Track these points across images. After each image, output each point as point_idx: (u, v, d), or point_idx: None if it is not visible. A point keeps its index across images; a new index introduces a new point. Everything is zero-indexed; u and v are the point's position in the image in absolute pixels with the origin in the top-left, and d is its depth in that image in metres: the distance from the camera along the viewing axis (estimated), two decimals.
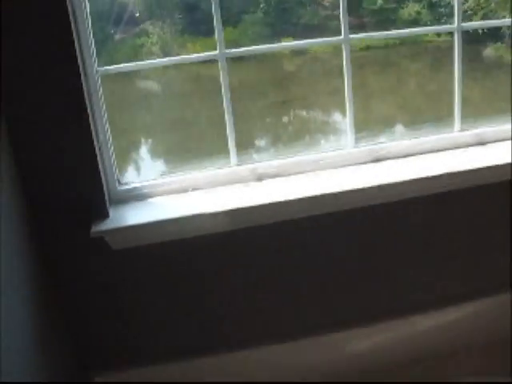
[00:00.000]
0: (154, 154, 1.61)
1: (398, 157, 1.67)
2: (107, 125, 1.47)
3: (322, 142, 1.74)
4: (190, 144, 1.65)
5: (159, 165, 1.61)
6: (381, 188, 1.52)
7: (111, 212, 1.47)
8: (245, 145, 1.63)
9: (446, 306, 1.75)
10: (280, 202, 1.48)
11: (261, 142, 1.67)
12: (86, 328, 1.57)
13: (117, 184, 1.53)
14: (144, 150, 1.60)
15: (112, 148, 1.50)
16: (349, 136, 1.63)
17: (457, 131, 1.69)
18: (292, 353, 1.68)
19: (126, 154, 1.62)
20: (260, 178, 1.58)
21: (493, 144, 1.69)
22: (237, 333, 1.66)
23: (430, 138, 1.68)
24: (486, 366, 1.72)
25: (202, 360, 1.62)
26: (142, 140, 1.60)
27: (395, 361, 1.73)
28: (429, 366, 1.73)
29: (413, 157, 1.67)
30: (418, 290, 1.72)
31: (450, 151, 1.67)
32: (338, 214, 1.55)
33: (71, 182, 1.41)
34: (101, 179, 1.43)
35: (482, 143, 1.69)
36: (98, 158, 1.42)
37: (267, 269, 1.60)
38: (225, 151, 1.58)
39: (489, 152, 1.65)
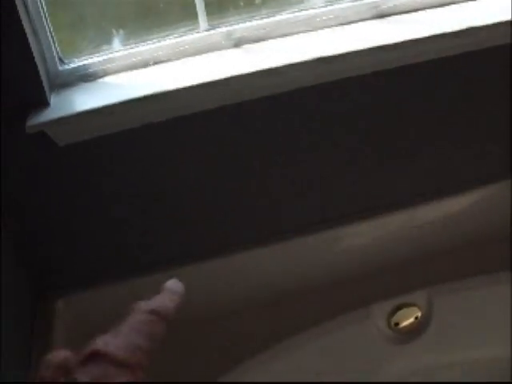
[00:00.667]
0: (104, 22, 1.27)
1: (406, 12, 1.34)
2: None
3: None
4: (148, 9, 1.31)
5: (111, 36, 1.28)
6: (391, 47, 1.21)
7: (52, 99, 1.17)
8: (215, 7, 1.29)
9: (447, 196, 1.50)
10: (265, 71, 1.17)
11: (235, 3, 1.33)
12: (37, 248, 1.31)
13: (58, 63, 1.21)
14: (92, 18, 1.26)
15: (46, 16, 1.17)
16: None
17: None
18: (288, 252, 1.44)
19: (69, 25, 1.29)
20: (237, 43, 1.26)
21: None
22: (215, 237, 1.41)
23: None
24: (486, 262, 1.50)
25: (178, 271, 1.38)
26: (89, 4, 1.27)
27: (394, 258, 1.51)
28: (427, 262, 1.51)
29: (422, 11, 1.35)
30: (418, 178, 1.47)
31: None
32: (339, 83, 1.25)
33: None
34: (33, 57, 1.11)
35: None
36: (27, 28, 1.10)
37: (248, 155, 1.32)
38: (192, 15, 1.25)
39: None
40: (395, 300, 1.42)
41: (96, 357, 0.35)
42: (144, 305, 0.40)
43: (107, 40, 1.28)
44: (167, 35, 1.26)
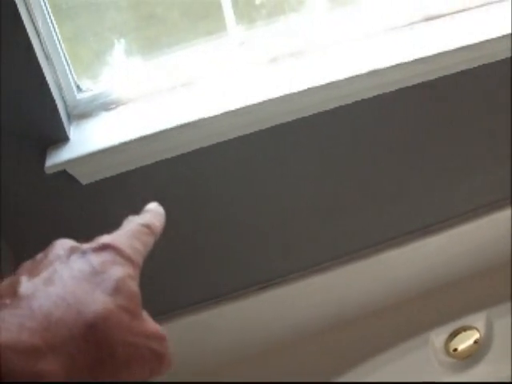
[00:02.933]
0: (125, 46, 1.14)
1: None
2: (45, 4, 1.00)
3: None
4: (166, 21, 1.17)
5: (130, 53, 1.14)
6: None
7: (72, 133, 1.04)
8: (246, 13, 1.16)
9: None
10: (303, 91, 1.04)
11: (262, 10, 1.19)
12: None
13: (75, 91, 1.08)
14: (111, 43, 1.13)
15: (61, 41, 1.04)
16: None
17: None
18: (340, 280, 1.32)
19: (87, 52, 1.15)
20: (275, 59, 1.13)
21: None
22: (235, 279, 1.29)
23: None
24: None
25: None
26: (106, 24, 1.13)
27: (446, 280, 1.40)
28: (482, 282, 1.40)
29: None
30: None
31: None
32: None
33: (10, 103, 0.96)
34: (48, 86, 0.97)
35: None
36: (39, 53, 0.97)
37: (275, 179, 1.20)
38: (222, 26, 1.12)
39: None
40: (453, 324, 1.30)
41: (107, 248, 0.37)
42: (137, 218, 0.43)
43: (124, 55, 1.15)
44: (194, 51, 1.13)
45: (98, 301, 0.33)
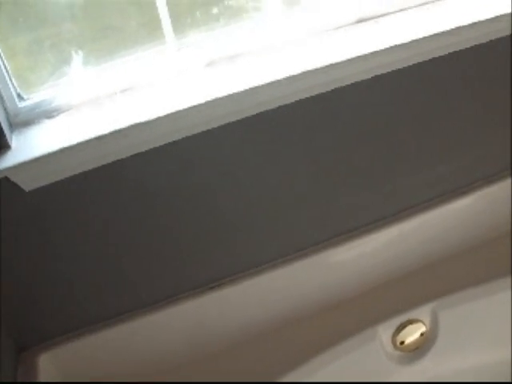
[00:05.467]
0: (63, 45, 1.16)
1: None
2: None
3: None
4: (108, 29, 1.20)
5: (71, 61, 1.17)
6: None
7: (14, 141, 1.06)
8: (182, 22, 1.20)
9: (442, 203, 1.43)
10: (243, 92, 1.08)
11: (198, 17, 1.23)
12: (12, 301, 1.20)
13: (16, 100, 1.10)
14: (48, 41, 1.15)
15: (1, 56, 1.06)
16: None
17: None
18: (282, 279, 1.35)
19: (26, 58, 1.18)
20: (210, 63, 1.17)
21: None
22: (210, 268, 1.32)
23: None
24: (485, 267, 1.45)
25: (165, 311, 1.29)
26: (45, 35, 1.16)
27: (391, 274, 1.45)
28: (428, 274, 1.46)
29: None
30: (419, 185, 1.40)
31: None
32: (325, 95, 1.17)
33: None
34: None
35: None
36: None
37: (226, 178, 1.23)
38: (158, 34, 1.16)
39: None
40: (400, 318, 1.34)
41: None
42: None
43: (67, 66, 1.17)
44: (132, 58, 1.16)
45: None
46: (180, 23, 1.19)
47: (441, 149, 1.37)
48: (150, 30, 1.20)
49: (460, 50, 1.22)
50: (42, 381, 1.20)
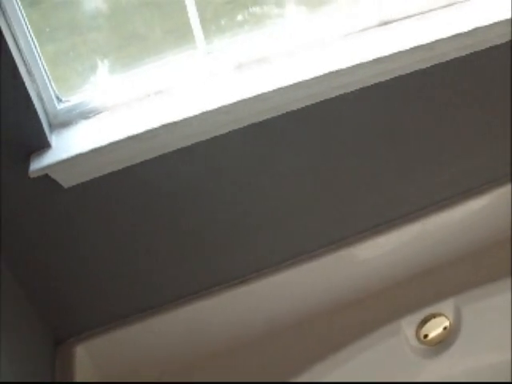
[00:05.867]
0: (101, 57, 1.22)
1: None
2: (27, 25, 1.09)
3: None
4: (146, 37, 1.26)
5: (105, 67, 1.23)
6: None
7: (54, 140, 1.12)
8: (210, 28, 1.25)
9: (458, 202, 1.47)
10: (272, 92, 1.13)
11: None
12: (50, 294, 1.26)
13: (56, 102, 1.16)
14: (87, 54, 1.21)
15: (41, 56, 1.12)
16: None
17: None
18: (308, 273, 1.39)
19: (64, 63, 1.24)
20: (239, 66, 1.22)
21: None
22: (235, 265, 1.37)
23: None
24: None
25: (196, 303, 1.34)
26: (82, 40, 1.22)
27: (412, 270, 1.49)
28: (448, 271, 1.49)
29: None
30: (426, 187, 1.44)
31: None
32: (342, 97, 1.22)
33: None
34: (30, 99, 1.06)
35: None
36: (22, 72, 1.05)
37: (256, 177, 1.28)
38: (190, 38, 1.21)
39: None
40: (423, 311, 1.37)
41: None
42: None
43: (93, 74, 1.24)
44: (162, 63, 1.22)
45: None
46: (207, 29, 1.25)
47: (448, 153, 1.41)
48: (180, 35, 1.26)
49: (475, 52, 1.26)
50: (78, 372, 1.26)
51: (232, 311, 1.37)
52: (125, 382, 1.34)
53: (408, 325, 1.36)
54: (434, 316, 1.37)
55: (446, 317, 1.38)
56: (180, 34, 1.26)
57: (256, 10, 1.34)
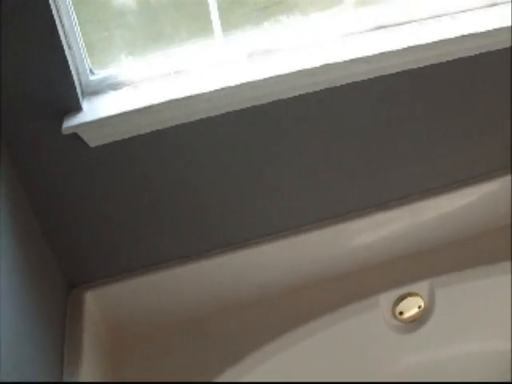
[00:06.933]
0: (129, 39, 1.41)
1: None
2: (72, 8, 1.28)
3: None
4: (171, 35, 1.45)
5: (135, 51, 1.41)
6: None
7: (85, 105, 1.30)
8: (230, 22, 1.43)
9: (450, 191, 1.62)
10: (278, 76, 1.31)
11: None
12: (70, 239, 1.43)
13: (89, 74, 1.35)
14: (117, 36, 1.40)
15: (80, 35, 1.31)
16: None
17: None
18: (293, 247, 1.55)
19: (99, 41, 1.42)
20: (251, 54, 1.40)
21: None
22: (236, 230, 1.53)
23: None
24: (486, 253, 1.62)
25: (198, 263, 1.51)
26: (114, 24, 1.41)
27: (400, 251, 1.63)
28: (432, 255, 1.63)
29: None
30: (420, 174, 1.60)
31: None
32: (341, 88, 1.39)
33: (34, 76, 1.22)
34: (69, 70, 1.24)
35: None
36: (64, 44, 1.23)
37: (266, 153, 1.45)
38: (209, 30, 1.39)
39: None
40: (400, 290, 1.51)
41: None
42: None
43: (132, 54, 1.42)
44: (185, 49, 1.40)
45: None
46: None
47: (450, 141, 1.57)
48: (200, 28, 1.44)
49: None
50: (86, 316, 1.41)
51: (229, 273, 1.53)
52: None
53: (385, 300, 1.51)
54: (410, 295, 1.52)
55: (421, 297, 1.52)
56: (200, 27, 1.44)
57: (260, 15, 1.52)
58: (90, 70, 1.35)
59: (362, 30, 1.44)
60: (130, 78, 1.36)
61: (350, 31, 1.44)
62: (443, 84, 1.47)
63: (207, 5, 1.35)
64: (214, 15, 1.38)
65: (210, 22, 1.38)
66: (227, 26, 1.41)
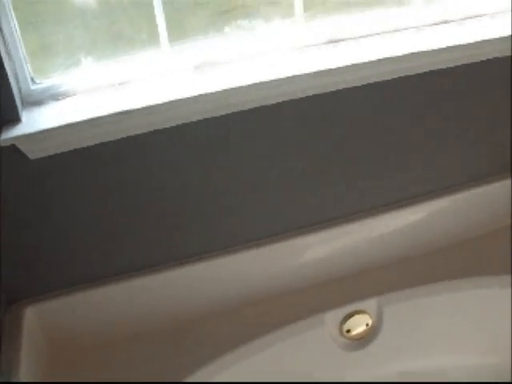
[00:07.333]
0: (73, 48, 1.36)
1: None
2: (12, 12, 1.23)
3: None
4: (114, 36, 1.41)
5: (79, 61, 1.37)
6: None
7: (24, 116, 1.25)
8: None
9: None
10: (224, 91, 1.28)
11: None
12: (9, 253, 1.37)
13: (30, 82, 1.30)
14: (61, 42, 1.35)
15: (21, 41, 1.26)
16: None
17: None
18: (248, 262, 1.53)
19: (41, 48, 1.37)
20: (199, 67, 1.37)
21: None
22: (183, 244, 1.50)
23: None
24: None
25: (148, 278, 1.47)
26: (58, 30, 1.36)
27: (350, 268, 1.63)
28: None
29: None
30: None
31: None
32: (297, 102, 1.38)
33: None
34: (6, 77, 1.19)
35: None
36: (2, 51, 1.19)
37: (208, 168, 1.42)
38: (155, 39, 1.36)
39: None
40: (348, 307, 1.50)
41: None
42: None
43: (75, 64, 1.37)
44: (132, 59, 1.36)
45: None
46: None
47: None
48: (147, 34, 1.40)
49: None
50: (25, 333, 1.36)
51: (173, 288, 1.50)
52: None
53: (332, 318, 1.49)
54: (357, 312, 1.50)
55: (369, 314, 1.51)
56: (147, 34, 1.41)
57: (221, 18, 1.49)
58: (32, 79, 1.31)
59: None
60: (73, 88, 1.32)
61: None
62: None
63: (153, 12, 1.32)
64: (161, 24, 1.35)
65: (157, 32, 1.35)
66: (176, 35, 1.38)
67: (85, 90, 1.33)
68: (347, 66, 1.32)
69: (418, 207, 1.62)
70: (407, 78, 1.42)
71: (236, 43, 1.40)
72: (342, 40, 1.45)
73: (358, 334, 1.52)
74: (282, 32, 1.43)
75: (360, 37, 1.48)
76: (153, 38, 1.36)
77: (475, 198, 1.66)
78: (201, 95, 1.26)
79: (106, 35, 1.39)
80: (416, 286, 1.56)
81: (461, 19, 1.52)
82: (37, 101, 1.30)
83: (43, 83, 1.32)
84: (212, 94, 1.26)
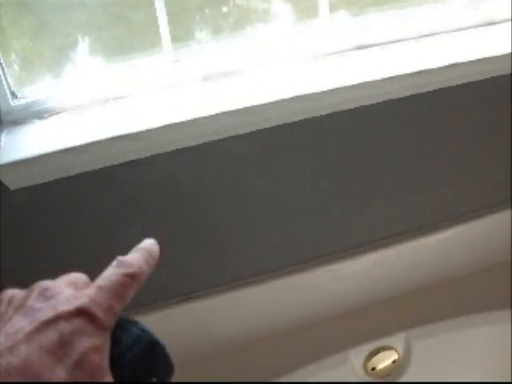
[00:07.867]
0: (62, 56, 1.16)
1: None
2: None
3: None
4: (111, 41, 1.21)
5: (69, 70, 1.17)
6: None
7: (3, 139, 1.07)
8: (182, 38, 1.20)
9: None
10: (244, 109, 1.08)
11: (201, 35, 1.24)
12: None
13: (10, 98, 1.11)
14: (48, 52, 1.15)
15: None
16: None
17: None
18: (262, 295, 1.36)
19: (23, 60, 1.18)
20: (205, 77, 1.17)
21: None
22: (179, 282, 1.33)
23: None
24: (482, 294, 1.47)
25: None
26: (53, 19, 1.16)
27: (372, 299, 1.46)
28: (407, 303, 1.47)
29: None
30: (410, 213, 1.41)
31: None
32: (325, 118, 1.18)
33: None
34: None
35: None
36: None
37: (208, 197, 1.24)
38: (157, 44, 1.16)
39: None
40: (373, 343, 1.35)
41: (81, 314, 0.36)
42: (122, 264, 0.41)
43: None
44: (129, 67, 1.17)
45: (56, 377, 0.33)
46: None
47: (442, 175, 1.39)
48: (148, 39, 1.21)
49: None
50: None
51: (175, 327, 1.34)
52: None
53: (356, 355, 1.34)
54: (383, 349, 1.35)
55: (396, 350, 1.36)
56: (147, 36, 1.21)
57: (225, 23, 1.29)
58: (12, 93, 1.12)
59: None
60: (60, 103, 1.13)
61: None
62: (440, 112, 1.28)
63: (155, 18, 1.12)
64: (164, 30, 1.15)
65: (159, 37, 1.16)
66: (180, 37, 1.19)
67: (74, 107, 1.14)
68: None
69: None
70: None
71: (246, 50, 1.20)
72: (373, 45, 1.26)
73: (383, 371, 1.37)
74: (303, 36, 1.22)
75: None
76: (155, 40, 1.16)
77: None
78: (217, 114, 1.06)
79: (102, 39, 1.19)
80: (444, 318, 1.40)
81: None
82: (18, 119, 1.12)
83: (26, 98, 1.12)
84: (224, 114, 1.07)
